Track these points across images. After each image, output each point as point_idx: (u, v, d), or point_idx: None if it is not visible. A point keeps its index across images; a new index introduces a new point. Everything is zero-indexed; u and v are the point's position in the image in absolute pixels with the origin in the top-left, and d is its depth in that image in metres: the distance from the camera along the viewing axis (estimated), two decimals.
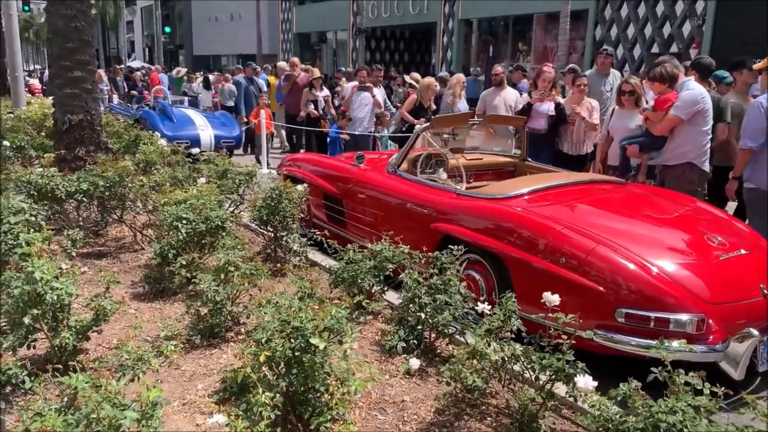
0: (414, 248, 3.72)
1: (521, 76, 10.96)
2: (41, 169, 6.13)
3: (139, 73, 17.82)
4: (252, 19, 28.36)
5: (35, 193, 4.30)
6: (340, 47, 28.22)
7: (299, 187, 4.73)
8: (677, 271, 3.21)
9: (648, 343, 3.03)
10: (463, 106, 7.77)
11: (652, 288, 3.09)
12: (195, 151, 6.24)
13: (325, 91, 10.01)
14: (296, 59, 11.11)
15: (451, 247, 3.42)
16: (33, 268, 2.56)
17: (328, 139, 9.01)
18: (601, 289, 3.15)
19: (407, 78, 13.63)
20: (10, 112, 10.34)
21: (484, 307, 2.65)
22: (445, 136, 5.08)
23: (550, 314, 2.46)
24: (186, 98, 13.71)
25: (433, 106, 7.98)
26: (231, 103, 14.73)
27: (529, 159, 5.49)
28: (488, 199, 3.91)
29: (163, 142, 6.41)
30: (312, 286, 2.77)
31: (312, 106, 9.52)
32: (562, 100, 6.32)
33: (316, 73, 10.49)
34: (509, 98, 7.16)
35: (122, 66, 24.94)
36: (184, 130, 10.18)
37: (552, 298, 2.46)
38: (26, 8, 36.03)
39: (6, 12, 11.66)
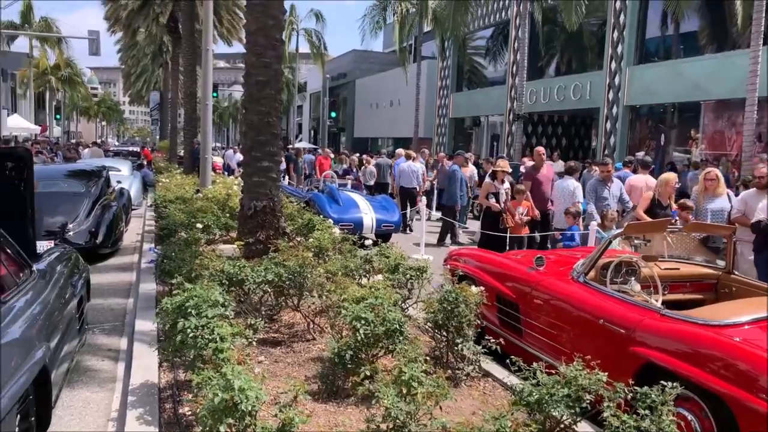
0: (607, 372, 3.29)
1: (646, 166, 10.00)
2: (230, 246, 6.57)
3: (355, 157, 18.11)
4: (410, 105, 29.75)
5: (227, 282, 4.51)
6: (491, 129, 28.48)
7: (474, 289, 4.51)
8: None
9: None
10: (721, 203, 6.85)
11: None
12: (368, 243, 6.33)
13: (507, 184, 9.38)
14: (541, 149, 10.04)
15: (664, 383, 2.96)
16: (232, 376, 2.56)
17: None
18: None
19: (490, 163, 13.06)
20: (197, 190, 11.44)
21: None
22: (637, 241, 4.64)
23: None
24: (349, 181, 14.40)
25: (674, 205, 7.06)
26: (371, 183, 15.37)
27: (736, 272, 4.82)
28: (701, 325, 3.40)
29: (336, 231, 6.59)
30: (515, 427, 2.48)
31: (493, 199, 9.08)
32: None
33: (505, 166, 9.67)
34: None
35: (291, 146, 27.04)
36: (349, 214, 10.56)
37: None
38: (215, 94, 40.99)
39: (203, 102, 13.20)
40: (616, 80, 19.59)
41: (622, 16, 19.36)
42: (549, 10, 21.98)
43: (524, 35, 19.17)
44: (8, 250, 3.64)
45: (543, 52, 24.67)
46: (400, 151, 16.71)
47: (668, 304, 4.07)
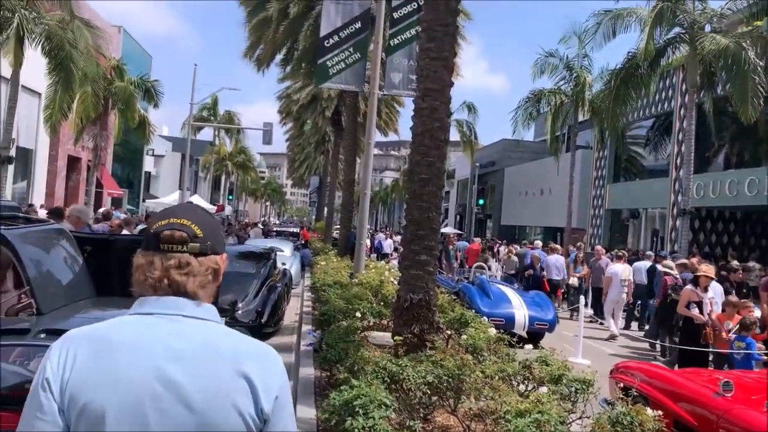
0: None
1: None
2: (382, 333, 6.65)
3: (537, 252, 15.94)
4: (561, 195, 29.03)
5: (388, 379, 4.55)
6: (651, 223, 26.76)
7: (649, 413, 4.12)
8: None
9: None
10: None
11: None
12: (528, 347, 6.10)
13: (710, 293, 8.35)
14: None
15: None
16: None
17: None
18: None
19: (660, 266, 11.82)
20: (351, 275, 11.88)
21: None
22: None
23: None
24: (500, 274, 14.20)
25: None
26: (512, 271, 15.00)
27: None
28: None
29: (492, 331, 6.44)
30: None
31: (696, 309, 8.02)
32: None
33: (709, 271, 8.59)
34: None
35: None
36: (500, 308, 10.31)
37: None
38: None
39: (362, 191, 13.97)
40: None
41: None
42: (718, 101, 20.74)
43: (690, 127, 18.16)
44: None
45: (712, 143, 23.15)
46: (537, 243, 16.62)
47: None
